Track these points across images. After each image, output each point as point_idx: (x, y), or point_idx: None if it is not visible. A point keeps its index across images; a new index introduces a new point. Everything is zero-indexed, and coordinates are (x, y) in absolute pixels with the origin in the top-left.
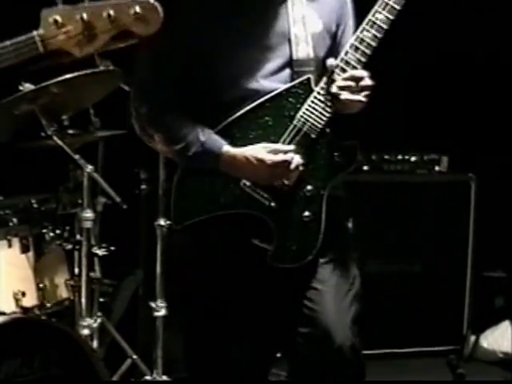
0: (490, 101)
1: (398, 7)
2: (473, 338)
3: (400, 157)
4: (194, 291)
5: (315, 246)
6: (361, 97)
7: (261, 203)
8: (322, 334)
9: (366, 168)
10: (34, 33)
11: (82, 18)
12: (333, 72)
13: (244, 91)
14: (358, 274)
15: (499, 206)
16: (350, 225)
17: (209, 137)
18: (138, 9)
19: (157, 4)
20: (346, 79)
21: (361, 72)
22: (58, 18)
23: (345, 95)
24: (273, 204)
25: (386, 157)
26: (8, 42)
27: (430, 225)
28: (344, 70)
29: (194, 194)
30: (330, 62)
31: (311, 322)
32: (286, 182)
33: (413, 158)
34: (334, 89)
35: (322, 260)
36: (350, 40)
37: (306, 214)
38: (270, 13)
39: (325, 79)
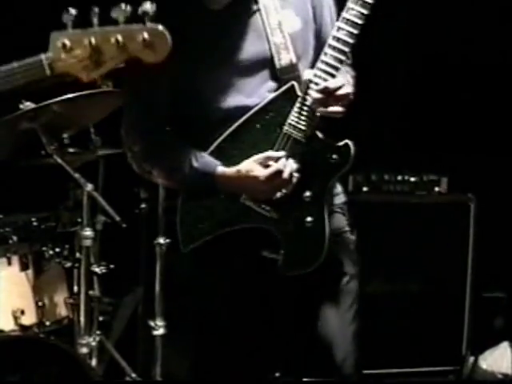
0: (490, 121)
1: (370, 1)
2: (472, 358)
3: (399, 177)
4: (207, 313)
5: (322, 250)
6: (336, 108)
7: (263, 215)
8: (324, 347)
9: (365, 188)
10: (42, 56)
11: (90, 43)
12: (308, 85)
13: (232, 109)
14: (358, 289)
15: (499, 227)
16: (353, 237)
17: (202, 161)
18: (146, 36)
19: (166, 32)
20: (320, 91)
21: (336, 82)
22: (67, 41)
23: (319, 109)
24: (275, 214)
25: (386, 177)
26: (15, 64)
27: (430, 245)
28: (324, 75)
29: (197, 216)
30: (307, 73)
31: (314, 335)
32: (284, 190)
33: (412, 179)
34: (309, 102)
35: (326, 274)
36: (327, 40)
37: (309, 219)
38: (245, 27)
39: (302, 91)
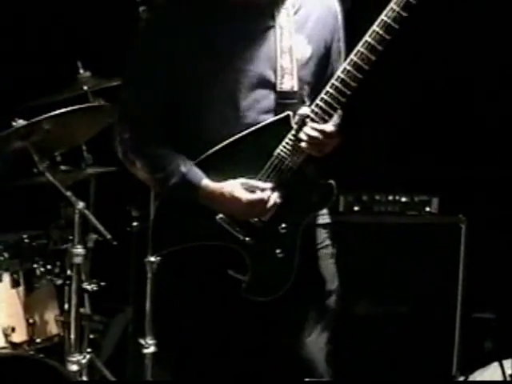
0: (482, 141)
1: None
2: (462, 379)
3: (391, 198)
4: (171, 322)
5: (288, 281)
6: (320, 153)
7: (236, 237)
8: (301, 366)
9: (356, 208)
10: None
11: None
12: (303, 121)
13: (226, 119)
14: (334, 307)
15: (489, 248)
16: (331, 250)
17: (190, 168)
18: None
19: None
20: (316, 131)
21: (331, 128)
22: None
23: (306, 147)
24: (247, 239)
25: (377, 197)
26: None
27: (420, 266)
28: (321, 113)
29: (171, 225)
30: (304, 109)
31: (289, 354)
32: (262, 218)
33: (403, 199)
34: (302, 144)
35: (299, 294)
36: (331, 79)
37: (280, 251)
38: (258, 41)
39: (295, 127)
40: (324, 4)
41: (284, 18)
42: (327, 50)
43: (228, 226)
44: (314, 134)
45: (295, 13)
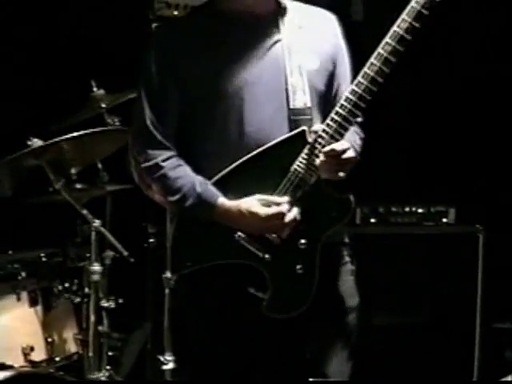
0: (498, 150)
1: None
2: None
3: (407, 209)
4: (191, 339)
5: (308, 298)
6: (339, 174)
7: (255, 254)
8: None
9: (372, 220)
10: None
11: None
12: (315, 141)
13: (240, 137)
14: (355, 323)
15: (508, 257)
16: (351, 267)
17: (205, 188)
18: None
19: None
20: (326, 154)
21: (342, 145)
22: None
23: (323, 173)
24: (267, 256)
25: (393, 209)
26: None
27: (438, 277)
28: (336, 126)
29: (190, 244)
30: (317, 126)
31: (311, 372)
32: (280, 233)
33: (420, 210)
34: (316, 162)
35: (320, 310)
36: (344, 93)
37: (299, 266)
38: (268, 62)
39: (306, 149)
40: (326, 23)
41: (289, 31)
42: (334, 67)
43: (247, 243)
44: (326, 159)
45: (299, 27)
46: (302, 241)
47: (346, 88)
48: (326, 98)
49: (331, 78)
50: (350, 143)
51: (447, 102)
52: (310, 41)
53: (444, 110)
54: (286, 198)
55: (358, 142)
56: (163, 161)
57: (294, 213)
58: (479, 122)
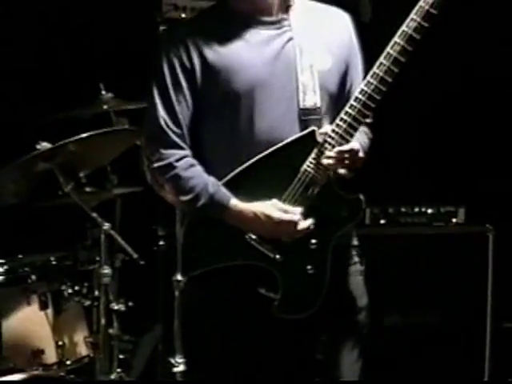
0: (507, 150)
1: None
2: None
3: (417, 209)
4: (201, 341)
5: (319, 298)
6: (345, 171)
7: (266, 255)
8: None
9: (382, 221)
10: None
11: None
12: (325, 141)
13: (250, 137)
14: (365, 322)
15: None
16: (360, 267)
17: (217, 189)
18: None
19: None
20: (334, 154)
21: (351, 145)
22: None
23: (331, 169)
24: (277, 256)
25: (403, 209)
26: None
27: (449, 277)
28: (340, 135)
29: (201, 245)
30: (326, 127)
31: (322, 371)
32: (290, 238)
33: (429, 211)
34: (324, 160)
35: (330, 310)
36: (354, 93)
37: (311, 267)
38: (279, 62)
39: (316, 149)
40: (338, 21)
41: (301, 30)
42: (346, 65)
43: (258, 244)
44: (335, 155)
45: (312, 26)
46: (313, 241)
47: (360, 84)
48: (337, 98)
49: (344, 77)
50: (359, 143)
51: (456, 103)
52: (322, 40)
53: (453, 111)
54: (299, 209)
55: (366, 141)
56: (176, 161)
57: (308, 222)
58: (489, 122)
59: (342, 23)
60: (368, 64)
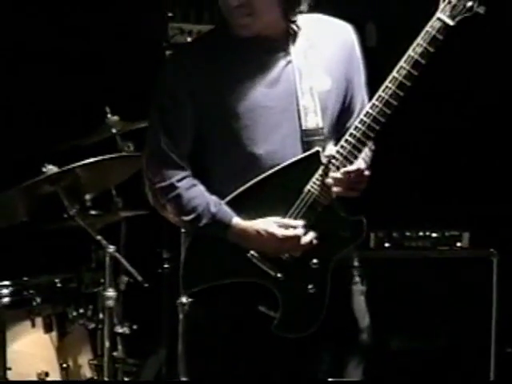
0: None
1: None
2: None
3: (421, 233)
4: (203, 361)
5: (319, 317)
6: (352, 192)
7: (267, 274)
8: None
9: (387, 245)
10: None
11: None
12: (329, 162)
13: (253, 159)
14: (367, 342)
15: None
16: (361, 287)
17: (219, 208)
18: None
19: None
20: (340, 175)
21: (357, 165)
22: None
23: (335, 190)
24: (279, 275)
25: (407, 233)
26: None
27: (453, 300)
28: (344, 156)
29: (202, 262)
30: (329, 151)
31: None
32: (293, 254)
33: (434, 234)
34: (329, 181)
35: (331, 330)
36: (355, 122)
37: (311, 286)
38: (280, 85)
39: (321, 168)
40: (339, 35)
41: (300, 52)
42: (348, 81)
43: (259, 262)
44: (341, 176)
45: (311, 46)
46: (314, 260)
47: (362, 101)
48: (339, 115)
49: (345, 94)
50: (364, 162)
51: (460, 128)
52: (321, 60)
53: (456, 136)
54: (301, 222)
55: (369, 153)
56: (178, 181)
57: (311, 236)
58: (492, 147)
59: (344, 36)
60: (372, 88)
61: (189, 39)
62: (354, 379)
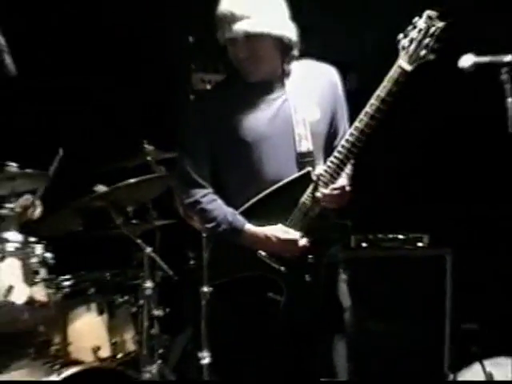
0: (465, 182)
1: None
2: (451, 376)
3: (390, 236)
4: (223, 337)
5: (317, 302)
6: (336, 205)
7: (273, 268)
8: (329, 368)
9: (364, 245)
10: None
11: None
12: (318, 180)
13: (260, 177)
14: (349, 320)
15: (471, 274)
16: (344, 277)
17: (234, 217)
18: None
19: None
20: (329, 190)
21: (341, 182)
22: None
23: (324, 203)
24: (282, 268)
25: (380, 236)
26: None
27: (417, 289)
28: (330, 173)
29: (222, 261)
30: (318, 170)
31: (319, 358)
32: (293, 254)
33: (400, 236)
34: (318, 195)
35: (325, 311)
36: (337, 147)
37: (308, 276)
38: (279, 118)
39: (311, 186)
40: (325, 75)
41: (294, 90)
42: (332, 114)
43: (267, 259)
44: (328, 192)
45: (302, 84)
46: (310, 256)
47: (344, 128)
48: (327, 140)
49: (331, 124)
50: (347, 178)
51: (428, 142)
52: (312, 95)
53: (425, 151)
54: (298, 233)
55: (350, 167)
56: (201, 197)
57: (305, 241)
58: (453, 161)
59: (329, 76)
60: (352, 120)
61: (208, 87)
62: (340, 348)
